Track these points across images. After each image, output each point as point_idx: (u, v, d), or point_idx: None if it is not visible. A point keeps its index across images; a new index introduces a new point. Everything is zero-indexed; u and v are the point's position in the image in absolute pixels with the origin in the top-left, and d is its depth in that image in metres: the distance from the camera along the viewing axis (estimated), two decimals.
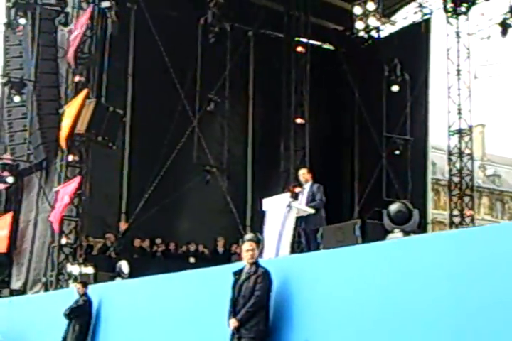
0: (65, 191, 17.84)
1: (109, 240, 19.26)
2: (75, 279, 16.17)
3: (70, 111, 18.04)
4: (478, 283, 6.28)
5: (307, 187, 12.05)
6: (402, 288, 7.03)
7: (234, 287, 8.40)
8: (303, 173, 12.40)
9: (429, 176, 24.75)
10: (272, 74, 24.07)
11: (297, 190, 12.46)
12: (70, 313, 13.05)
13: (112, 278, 15.71)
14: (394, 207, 9.51)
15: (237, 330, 8.20)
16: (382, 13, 21.83)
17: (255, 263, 8.40)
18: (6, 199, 21.46)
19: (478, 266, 6.32)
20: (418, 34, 23.81)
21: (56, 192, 18.18)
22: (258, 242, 10.16)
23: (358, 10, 21.43)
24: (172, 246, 20.80)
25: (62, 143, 18.08)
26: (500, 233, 6.50)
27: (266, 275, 8.28)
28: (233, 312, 8.28)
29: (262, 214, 11.59)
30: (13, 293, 19.01)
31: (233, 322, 8.22)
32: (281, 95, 23.91)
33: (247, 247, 8.56)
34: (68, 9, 19.84)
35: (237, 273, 8.46)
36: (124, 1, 21.65)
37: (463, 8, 22.69)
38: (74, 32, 18.72)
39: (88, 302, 13.10)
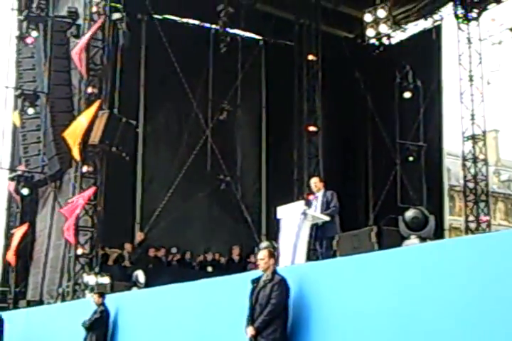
0: (79, 201, 17.91)
1: (127, 250, 19.28)
2: (92, 289, 16.19)
3: (81, 121, 18.07)
4: (495, 288, 6.25)
5: (320, 195, 11.94)
6: (419, 295, 7.00)
7: (251, 295, 8.39)
8: (315, 182, 12.21)
9: (446, 182, 24.67)
10: (283, 82, 24.11)
11: (310, 197, 12.37)
12: (89, 326, 13.07)
13: (128, 288, 15.72)
14: (410, 213, 9.45)
15: (254, 338, 8.19)
16: (393, 20, 21.82)
17: (272, 271, 8.40)
18: (21, 211, 21.54)
19: (495, 272, 6.29)
20: (429, 40, 23.80)
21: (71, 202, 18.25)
22: (273, 250, 10.12)
23: (368, 17, 21.44)
24: (188, 255, 20.82)
25: (76, 154, 18.13)
26: None
27: (282, 283, 8.27)
28: (251, 320, 8.27)
29: (277, 222, 11.60)
30: (30, 303, 19.06)
31: (250, 330, 8.21)
32: (294, 103, 23.95)
33: (259, 256, 8.62)
34: (80, 21, 19.96)
35: (255, 281, 8.46)
36: (135, 12, 21.77)
37: (474, 14, 22.70)
38: (81, 43, 18.81)
39: (105, 313, 13.11)
